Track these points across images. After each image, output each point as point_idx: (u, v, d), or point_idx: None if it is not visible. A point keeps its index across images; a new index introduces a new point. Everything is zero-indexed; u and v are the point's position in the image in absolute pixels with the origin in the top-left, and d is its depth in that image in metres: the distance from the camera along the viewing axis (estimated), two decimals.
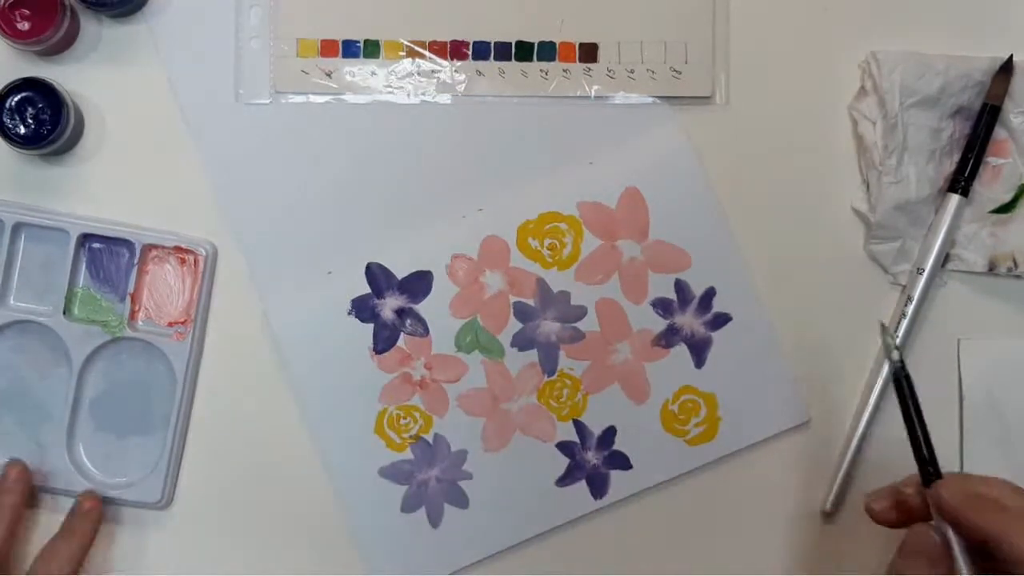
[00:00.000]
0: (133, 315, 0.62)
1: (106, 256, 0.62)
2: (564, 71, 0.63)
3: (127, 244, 0.62)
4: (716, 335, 0.63)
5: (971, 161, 0.62)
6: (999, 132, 0.62)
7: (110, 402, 0.62)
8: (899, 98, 0.61)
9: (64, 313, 0.61)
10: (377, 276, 0.62)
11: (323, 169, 0.63)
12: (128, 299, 0.62)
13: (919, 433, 0.50)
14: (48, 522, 0.62)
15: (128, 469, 0.62)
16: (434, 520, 0.62)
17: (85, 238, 0.62)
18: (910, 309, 0.62)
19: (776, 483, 0.63)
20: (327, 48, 0.63)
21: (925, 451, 0.50)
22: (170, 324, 0.62)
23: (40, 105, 0.59)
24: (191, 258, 0.62)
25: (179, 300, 0.62)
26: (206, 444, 0.63)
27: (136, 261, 0.61)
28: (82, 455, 0.62)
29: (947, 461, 0.62)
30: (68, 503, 0.61)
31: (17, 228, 0.62)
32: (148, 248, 0.62)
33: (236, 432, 0.62)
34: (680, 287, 0.63)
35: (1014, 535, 0.45)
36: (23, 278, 0.62)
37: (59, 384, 0.62)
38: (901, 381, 0.50)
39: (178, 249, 0.62)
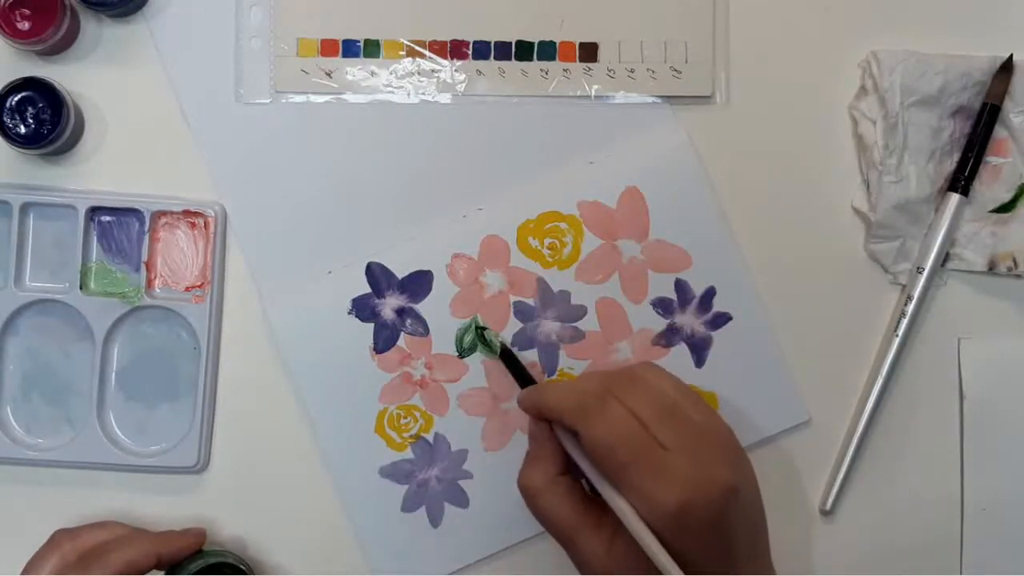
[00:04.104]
0: (150, 283, 0.62)
1: (116, 228, 0.62)
2: (564, 71, 0.63)
3: (136, 214, 0.62)
4: (716, 335, 0.63)
5: (971, 160, 0.62)
6: (999, 131, 0.62)
7: (136, 372, 0.63)
8: (899, 97, 0.61)
9: (80, 288, 0.62)
10: (377, 276, 0.62)
11: (323, 169, 0.63)
12: (143, 268, 0.62)
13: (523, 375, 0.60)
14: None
15: (162, 436, 0.62)
16: (434, 520, 0.62)
17: (93, 212, 0.62)
18: (910, 308, 0.62)
19: (776, 482, 0.63)
20: (327, 48, 0.63)
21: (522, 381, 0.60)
22: (187, 288, 0.62)
23: (40, 105, 0.60)
24: (201, 221, 0.62)
25: (194, 264, 0.62)
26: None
27: (147, 229, 0.62)
28: (114, 427, 0.63)
29: (947, 460, 0.63)
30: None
31: (25, 208, 0.62)
32: (158, 215, 0.62)
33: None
34: (680, 287, 0.63)
35: (582, 427, 0.50)
36: (36, 258, 0.63)
37: (84, 359, 0.62)
38: (509, 353, 0.61)
39: (187, 213, 0.62)
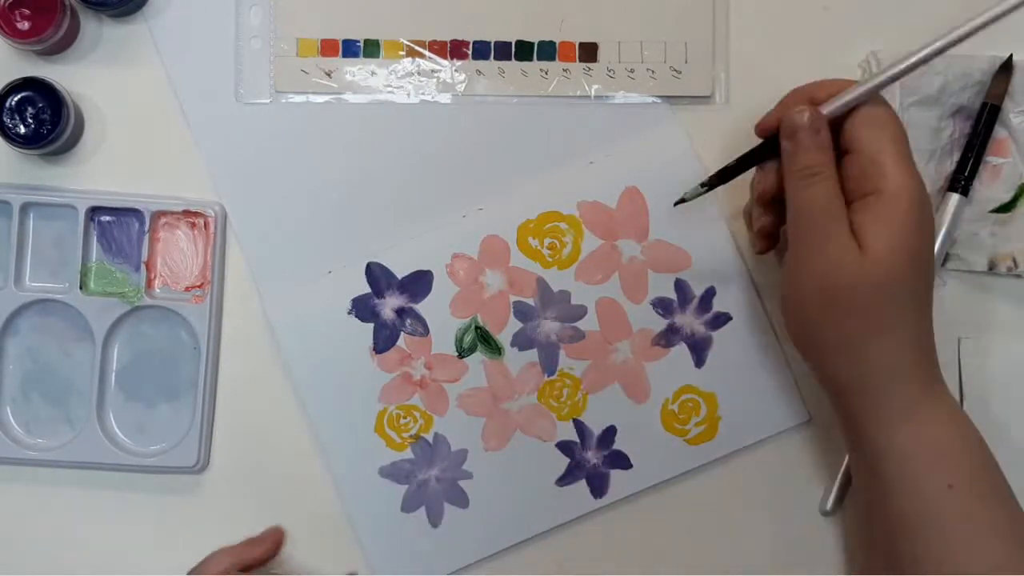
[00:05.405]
0: (149, 283, 0.62)
1: (116, 228, 0.62)
2: (564, 71, 0.63)
3: (136, 214, 0.62)
4: (716, 335, 0.63)
5: (971, 160, 0.62)
6: (999, 131, 0.62)
7: (136, 372, 0.63)
8: (899, 97, 0.61)
9: (80, 288, 0.62)
10: (377, 275, 0.62)
11: (323, 169, 0.63)
12: (143, 268, 0.62)
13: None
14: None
15: (162, 436, 0.63)
16: (434, 520, 0.62)
17: (94, 212, 0.62)
18: None
19: (776, 483, 0.63)
20: (327, 48, 0.63)
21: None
22: (187, 289, 0.62)
23: (40, 105, 0.60)
24: (201, 221, 0.62)
25: (193, 264, 0.62)
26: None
27: (147, 229, 0.62)
28: (114, 427, 0.63)
29: None
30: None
31: (25, 208, 0.62)
32: (158, 215, 0.62)
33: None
34: (680, 287, 0.63)
35: (893, 161, 0.52)
36: (36, 258, 0.63)
37: (84, 359, 0.62)
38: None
39: (187, 213, 0.62)
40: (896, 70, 0.53)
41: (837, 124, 0.54)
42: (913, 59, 0.52)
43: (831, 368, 0.54)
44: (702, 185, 0.59)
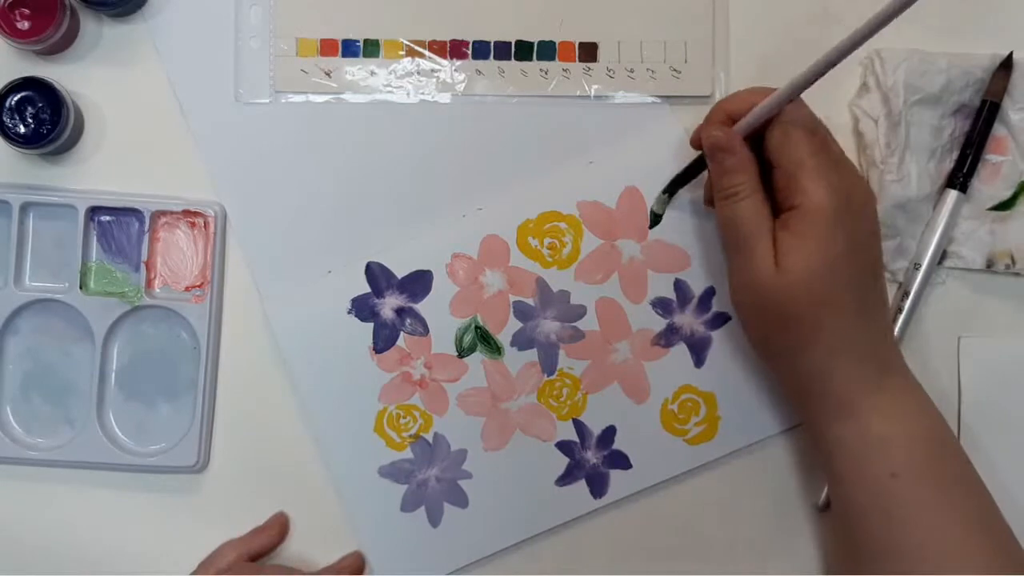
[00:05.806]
0: (149, 283, 0.62)
1: (116, 228, 0.62)
2: (564, 70, 0.63)
3: (136, 213, 0.62)
4: (716, 335, 0.63)
5: (970, 157, 0.62)
6: (999, 129, 0.62)
7: (136, 371, 0.63)
8: (903, 95, 0.61)
9: (80, 288, 0.62)
10: (377, 275, 0.62)
11: (323, 168, 0.63)
12: (143, 268, 0.62)
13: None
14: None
15: (162, 436, 0.63)
16: (434, 519, 0.62)
17: (93, 211, 0.62)
18: (907, 304, 0.62)
19: (776, 482, 0.63)
20: (327, 47, 0.63)
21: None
22: (187, 288, 0.62)
23: (40, 104, 0.60)
24: (201, 221, 0.62)
25: (193, 264, 0.62)
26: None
27: (147, 229, 0.62)
28: (114, 426, 0.63)
29: None
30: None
31: (25, 208, 0.62)
32: (157, 215, 0.62)
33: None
34: (680, 287, 0.63)
35: (807, 176, 0.52)
36: (36, 257, 0.63)
37: (84, 359, 0.62)
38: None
39: (187, 213, 0.62)
40: (798, 81, 0.52)
41: (763, 135, 0.54)
42: (815, 67, 0.51)
43: (775, 372, 0.58)
44: (663, 192, 0.61)
